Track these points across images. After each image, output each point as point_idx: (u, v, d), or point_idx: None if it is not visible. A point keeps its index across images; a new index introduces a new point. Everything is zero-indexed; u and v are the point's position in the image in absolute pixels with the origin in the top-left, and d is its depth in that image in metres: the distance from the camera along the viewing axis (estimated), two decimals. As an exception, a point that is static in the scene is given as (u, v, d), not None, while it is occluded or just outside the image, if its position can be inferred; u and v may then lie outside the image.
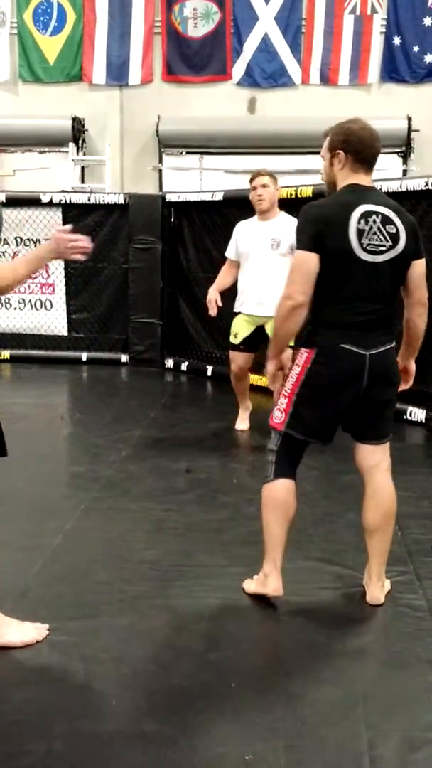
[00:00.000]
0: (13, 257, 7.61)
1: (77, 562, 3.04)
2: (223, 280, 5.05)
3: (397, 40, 10.65)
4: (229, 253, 4.99)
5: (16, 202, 7.47)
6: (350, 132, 2.60)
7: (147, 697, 2.16)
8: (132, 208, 7.32)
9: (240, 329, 4.91)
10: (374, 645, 2.48)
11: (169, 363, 7.35)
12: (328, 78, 10.79)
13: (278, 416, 2.67)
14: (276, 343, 2.69)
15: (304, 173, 9.26)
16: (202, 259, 7.15)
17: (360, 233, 2.52)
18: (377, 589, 2.74)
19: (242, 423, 5.15)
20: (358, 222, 2.52)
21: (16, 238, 7.57)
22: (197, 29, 10.71)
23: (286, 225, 4.70)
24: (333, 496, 3.81)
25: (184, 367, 7.23)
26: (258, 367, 5.02)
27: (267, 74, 10.73)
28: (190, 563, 3.06)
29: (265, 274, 4.68)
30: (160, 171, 11.14)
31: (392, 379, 2.68)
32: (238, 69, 10.76)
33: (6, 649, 2.37)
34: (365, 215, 2.54)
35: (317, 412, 2.62)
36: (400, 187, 5.32)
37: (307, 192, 5.70)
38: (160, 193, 8.98)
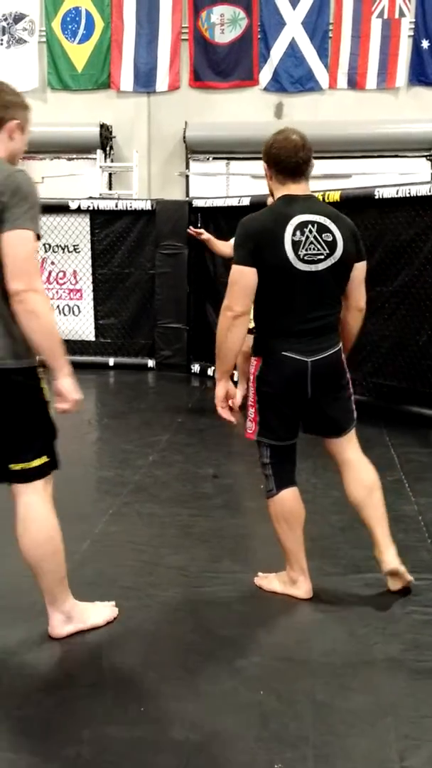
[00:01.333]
0: (41, 263, 7.69)
1: (105, 567, 3.05)
2: None
3: (425, 44, 10.58)
4: None
5: (44, 208, 7.41)
6: (271, 144, 2.66)
7: (175, 703, 2.16)
8: (159, 214, 7.35)
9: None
10: (404, 654, 2.45)
11: (196, 368, 7.36)
12: (355, 82, 10.75)
13: (250, 426, 2.76)
14: (221, 359, 2.69)
15: (332, 177, 9.23)
16: (229, 264, 7.13)
17: (296, 245, 2.57)
18: (390, 555, 2.77)
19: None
20: (293, 234, 2.57)
21: (44, 244, 7.64)
22: (224, 35, 10.73)
23: None
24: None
25: (210, 372, 7.23)
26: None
27: (294, 79, 10.71)
28: (217, 569, 3.05)
29: None
30: (187, 177, 11.17)
31: (339, 380, 2.75)
32: (265, 74, 10.76)
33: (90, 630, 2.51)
34: (300, 226, 2.58)
35: (276, 416, 2.70)
36: (430, 191, 5.26)
37: (335, 197, 5.67)
38: (187, 198, 9.01)
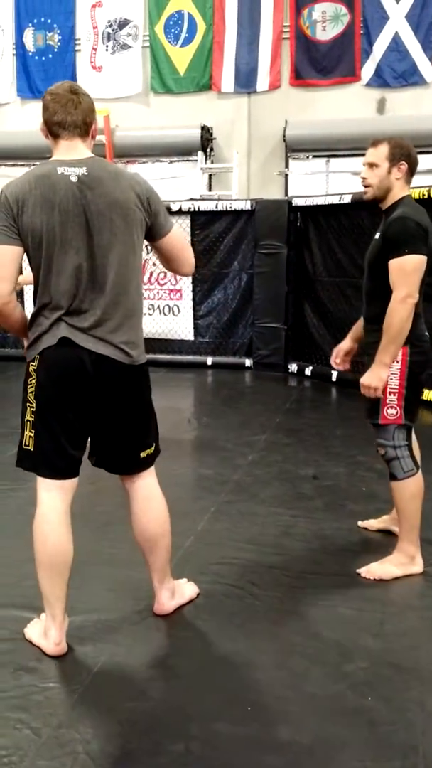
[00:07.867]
0: (144, 265, 7.82)
1: (208, 563, 3.07)
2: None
3: None
4: None
5: (146, 210, 7.65)
6: (410, 148, 2.95)
7: (281, 704, 2.15)
8: (258, 213, 7.36)
9: None
10: None
11: (293, 368, 7.33)
12: (461, 75, 10.39)
13: (393, 413, 2.90)
14: (396, 343, 2.81)
15: (436, 173, 8.96)
16: (329, 263, 7.08)
17: None
18: None
19: None
20: None
21: (146, 246, 7.75)
22: (326, 32, 10.60)
23: None
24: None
25: (308, 371, 7.18)
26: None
27: (397, 74, 10.47)
28: (320, 571, 3.02)
29: None
30: (286, 176, 11.12)
31: None
32: (368, 70, 10.57)
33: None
34: None
35: (417, 396, 2.96)
36: None
37: (442, 193, 5.52)
38: (287, 197, 8.96)
